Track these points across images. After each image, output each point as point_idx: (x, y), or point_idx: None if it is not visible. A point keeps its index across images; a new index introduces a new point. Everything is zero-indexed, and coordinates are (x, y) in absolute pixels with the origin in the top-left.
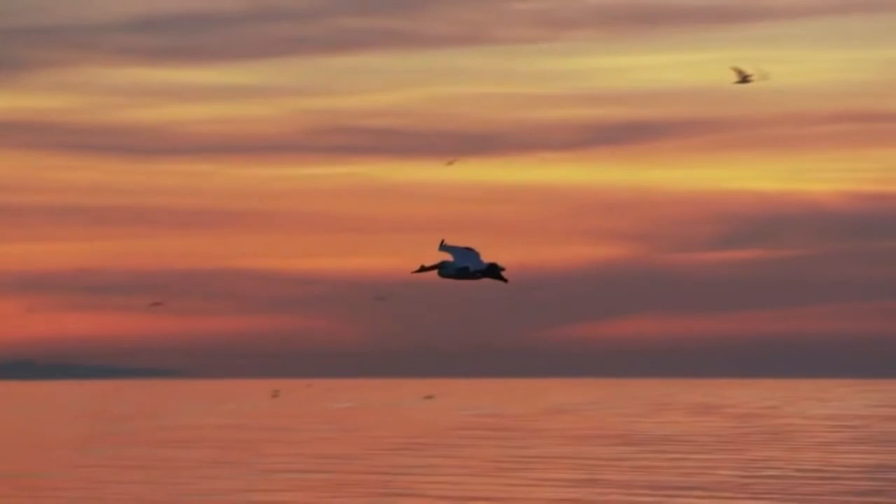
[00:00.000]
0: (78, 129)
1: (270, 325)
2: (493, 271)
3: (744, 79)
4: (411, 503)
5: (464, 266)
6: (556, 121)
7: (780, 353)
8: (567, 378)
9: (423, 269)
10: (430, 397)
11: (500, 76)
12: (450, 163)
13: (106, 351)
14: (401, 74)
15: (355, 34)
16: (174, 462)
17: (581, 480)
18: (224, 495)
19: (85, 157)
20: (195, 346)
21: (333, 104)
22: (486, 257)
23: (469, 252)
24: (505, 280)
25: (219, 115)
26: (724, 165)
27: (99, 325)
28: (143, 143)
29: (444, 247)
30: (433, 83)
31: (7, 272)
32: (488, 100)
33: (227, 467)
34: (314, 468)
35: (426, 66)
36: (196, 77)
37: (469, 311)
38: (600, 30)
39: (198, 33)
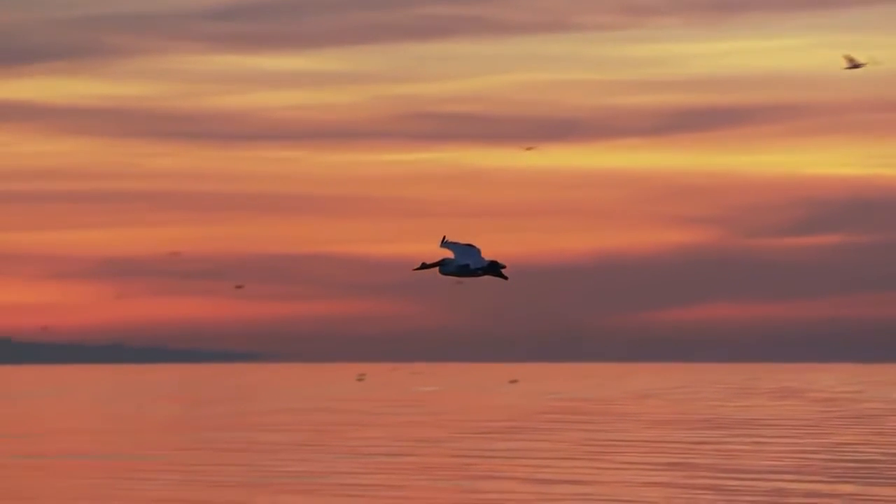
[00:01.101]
0: (166, 116)
1: (355, 309)
2: (494, 269)
3: (855, 66)
4: (500, 486)
5: (464, 264)
6: (637, 107)
7: (863, 338)
8: (648, 363)
9: (423, 266)
10: (514, 381)
11: (583, 63)
12: (528, 148)
13: (193, 335)
14: (484, 61)
15: (440, 21)
16: (264, 445)
17: (669, 464)
18: (314, 478)
19: (173, 144)
20: (281, 331)
21: (418, 90)
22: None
23: (470, 249)
24: (505, 277)
25: (305, 102)
26: (805, 150)
27: (186, 310)
28: (231, 130)
29: (445, 244)
30: (516, 70)
31: (97, 257)
32: (570, 86)
33: (316, 450)
34: (402, 451)
35: (510, 53)
36: (283, 64)
37: (551, 295)
38: (682, 16)
39: (285, 21)
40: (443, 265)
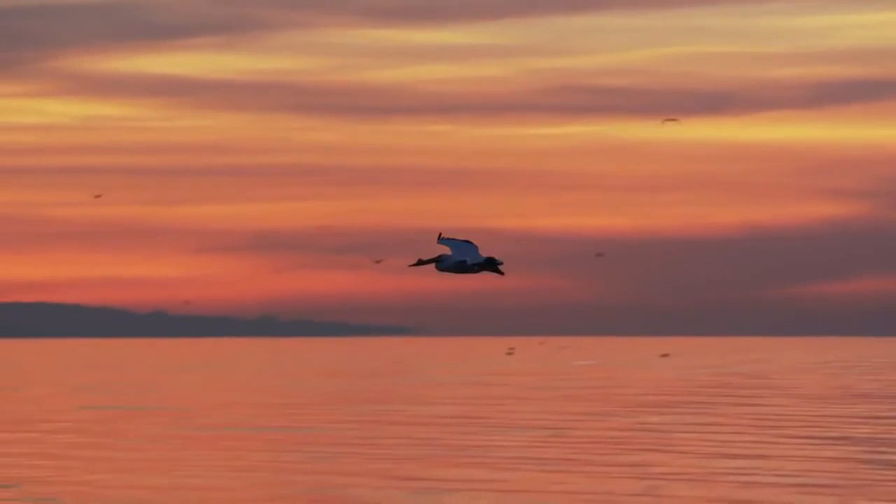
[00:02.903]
0: (317, 91)
1: (503, 283)
2: (491, 265)
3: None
4: (662, 459)
5: (461, 260)
6: (789, 79)
7: None
8: (798, 337)
9: (420, 262)
10: (665, 355)
11: (734, 35)
12: (668, 120)
13: (343, 309)
14: (634, 34)
15: None
16: (422, 418)
17: (830, 438)
18: (475, 451)
19: (325, 118)
20: (429, 305)
21: (567, 64)
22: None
23: (468, 245)
24: (502, 273)
25: (455, 76)
26: None
27: (338, 284)
28: (381, 104)
29: (442, 240)
30: (666, 43)
31: (248, 231)
32: (721, 59)
33: (475, 424)
34: (561, 425)
35: (660, 26)
36: (434, 38)
37: (701, 269)
38: None
39: None
40: (440, 261)
